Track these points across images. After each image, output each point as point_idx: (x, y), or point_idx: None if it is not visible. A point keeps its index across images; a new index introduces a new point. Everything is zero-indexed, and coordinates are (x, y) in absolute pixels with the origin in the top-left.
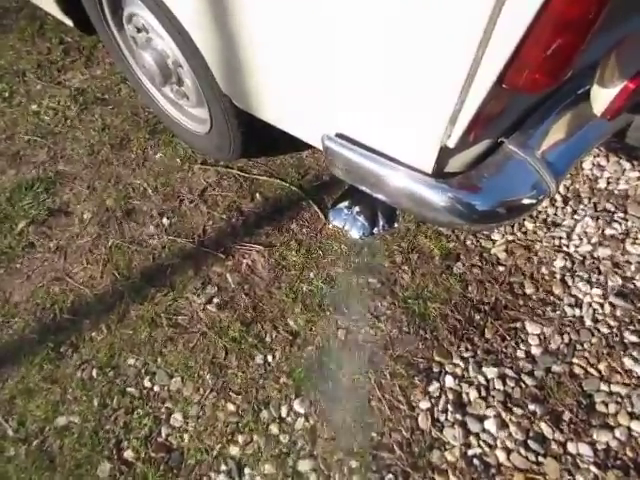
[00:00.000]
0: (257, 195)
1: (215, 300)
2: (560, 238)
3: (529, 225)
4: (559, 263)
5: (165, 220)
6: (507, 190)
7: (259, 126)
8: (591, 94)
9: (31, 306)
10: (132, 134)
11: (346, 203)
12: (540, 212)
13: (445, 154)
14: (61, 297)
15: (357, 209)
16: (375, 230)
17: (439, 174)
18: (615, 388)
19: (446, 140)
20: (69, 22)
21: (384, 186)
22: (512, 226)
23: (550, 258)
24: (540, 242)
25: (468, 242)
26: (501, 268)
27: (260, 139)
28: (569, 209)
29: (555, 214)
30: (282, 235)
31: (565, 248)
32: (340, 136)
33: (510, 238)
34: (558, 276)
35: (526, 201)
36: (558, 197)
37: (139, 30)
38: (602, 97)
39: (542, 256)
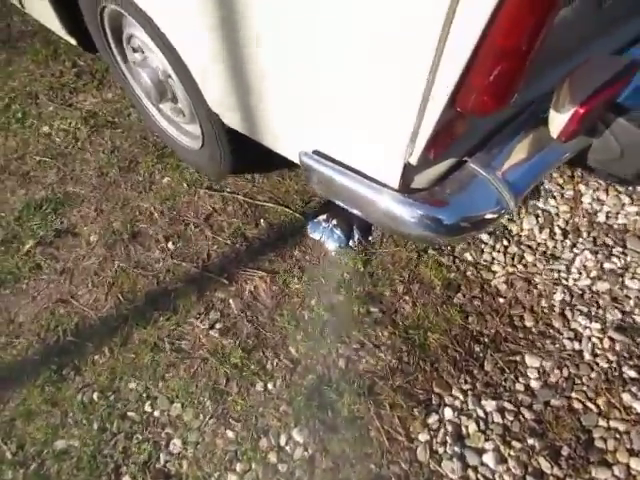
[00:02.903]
0: (262, 221)
1: (218, 326)
2: (559, 271)
3: (529, 257)
4: (558, 296)
5: (170, 244)
6: (470, 206)
7: (249, 143)
8: (549, 118)
9: (36, 327)
10: (140, 157)
11: (324, 216)
12: (540, 244)
13: (410, 171)
14: (66, 319)
15: (334, 222)
16: (351, 242)
17: (406, 189)
18: (614, 424)
19: (408, 157)
20: (73, 41)
21: (356, 200)
22: (512, 258)
23: (550, 291)
24: (540, 275)
25: (469, 273)
26: (501, 300)
27: (250, 155)
28: (568, 242)
29: (555, 247)
30: (285, 262)
31: (564, 281)
32: (316, 153)
33: (510, 270)
34: (557, 309)
35: (487, 216)
36: (557, 230)
37: (135, 50)
38: (557, 121)
39: (542, 289)
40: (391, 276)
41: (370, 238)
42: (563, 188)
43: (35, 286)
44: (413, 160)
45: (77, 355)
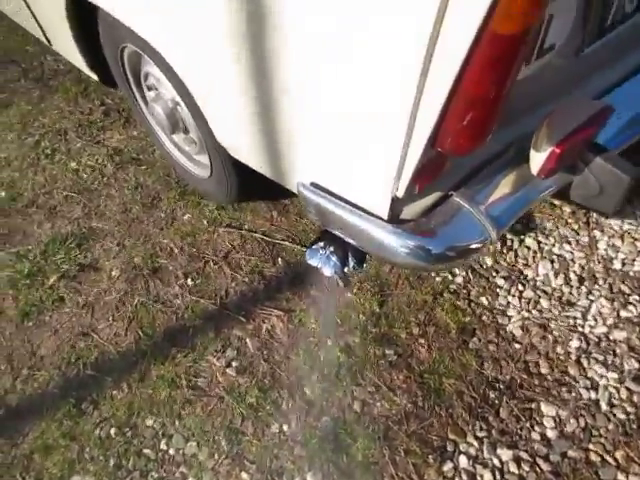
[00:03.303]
0: (279, 260)
1: (234, 364)
2: (575, 318)
3: (544, 303)
4: (574, 343)
5: (189, 281)
6: (455, 237)
7: (254, 173)
8: (530, 156)
9: (57, 360)
10: (163, 194)
11: (321, 244)
12: (555, 290)
13: (398, 203)
14: (86, 352)
15: (331, 249)
16: (346, 269)
17: (395, 220)
18: (633, 479)
19: (395, 191)
20: (94, 76)
21: (350, 230)
22: (528, 303)
23: (565, 338)
24: (555, 321)
25: (484, 317)
26: (517, 345)
27: (256, 186)
28: (584, 289)
29: (570, 293)
30: (302, 301)
31: (580, 328)
32: (313, 184)
33: (526, 315)
34: (573, 357)
35: (472, 246)
36: (573, 276)
37: (150, 88)
38: (536, 159)
39: (557, 335)
40: (407, 318)
41: (364, 265)
42: (578, 234)
43: (58, 319)
44: (400, 193)
45: (96, 389)
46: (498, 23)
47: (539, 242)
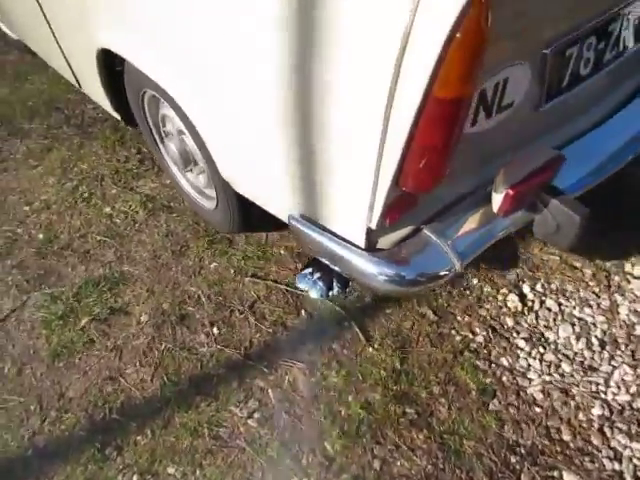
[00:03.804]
0: (302, 312)
1: (256, 415)
2: (597, 384)
3: (566, 367)
4: (597, 411)
5: (215, 329)
6: (425, 265)
7: (255, 206)
8: (492, 197)
9: (84, 403)
10: (192, 242)
11: (310, 270)
12: (577, 354)
13: (373, 234)
14: (113, 397)
15: (318, 275)
16: (330, 293)
17: (372, 249)
18: None
19: (369, 223)
20: (117, 116)
21: (334, 258)
22: (549, 366)
23: (588, 404)
24: (577, 386)
25: (504, 379)
26: (538, 409)
27: (257, 218)
28: (606, 354)
29: (592, 358)
30: (323, 354)
31: (603, 395)
32: (302, 216)
33: (547, 379)
34: (596, 425)
35: (440, 274)
36: (594, 341)
37: (166, 132)
38: (495, 200)
39: (579, 401)
40: (427, 376)
41: (347, 289)
42: (599, 297)
43: (87, 361)
44: (373, 225)
45: (120, 434)
46: (438, 90)
47: (560, 304)
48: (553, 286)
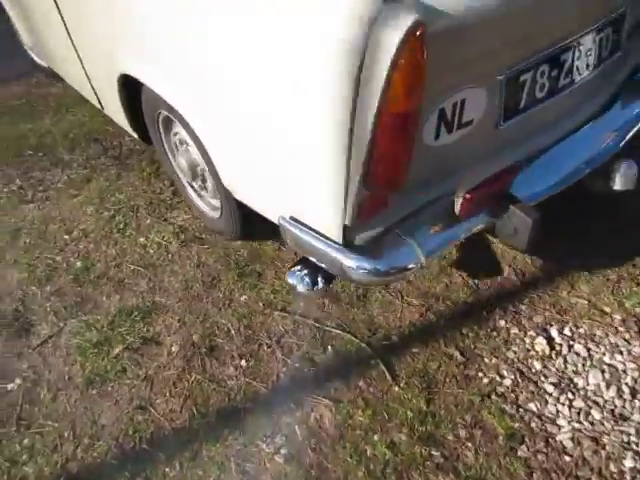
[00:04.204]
0: (329, 348)
1: (282, 451)
2: (629, 434)
3: (596, 415)
4: (629, 463)
5: (244, 362)
6: (397, 259)
7: (253, 214)
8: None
9: (116, 431)
10: (222, 274)
11: (298, 267)
12: (607, 402)
13: (350, 232)
14: (143, 426)
15: (305, 272)
16: (315, 287)
17: (350, 245)
18: None
19: (345, 221)
20: (135, 135)
21: (318, 253)
22: (578, 413)
23: (619, 455)
24: (608, 435)
25: (533, 424)
26: (567, 458)
27: (256, 225)
28: (637, 403)
29: (623, 407)
30: (350, 392)
31: (635, 446)
32: (291, 218)
33: (577, 426)
34: (628, 477)
35: (408, 267)
36: (625, 389)
37: (177, 144)
38: (456, 203)
39: (610, 451)
40: (454, 419)
41: (331, 285)
42: (630, 343)
43: (119, 390)
44: (348, 222)
45: (150, 465)
46: (389, 106)
47: (589, 349)
48: (581, 330)
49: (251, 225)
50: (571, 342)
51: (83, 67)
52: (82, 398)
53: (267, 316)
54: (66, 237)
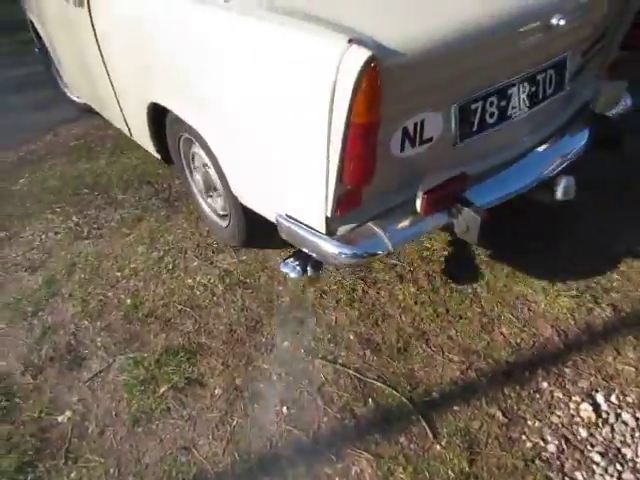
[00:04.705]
0: (370, 400)
1: None
2: None
3: None
4: None
5: (285, 409)
6: (370, 246)
7: (254, 222)
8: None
9: (159, 471)
10: (265, 319)
11: (291, 259)
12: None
13: (330, 223)
14: (185, 467)
15: (297, 262)
16: (304, 274)
17: (332, 234)
18: None
19: (326, 212)
20: (158, 156)
21: (307, 243)
22: None
23: None
24: None
25: None
26: None
27: (258, 232)
28: None
29: None
30: (391, 447)
31: None
32: (286, 215)
33: None
34: None
35: (377, 252)
36: None
37: (195, 164)
38: (418, 202)
39: None
40: None
41: (320, 272)
42: None
43: (163, 429)
44: (328, 214)
45: None
46: (355, 117)
47: (637, 419)
48: (629, 399)
49: (253, 233)
50: (618, 410)
51: (117, 100)
52: (128, 435)
53: (308, 363)
54: (118, 274)
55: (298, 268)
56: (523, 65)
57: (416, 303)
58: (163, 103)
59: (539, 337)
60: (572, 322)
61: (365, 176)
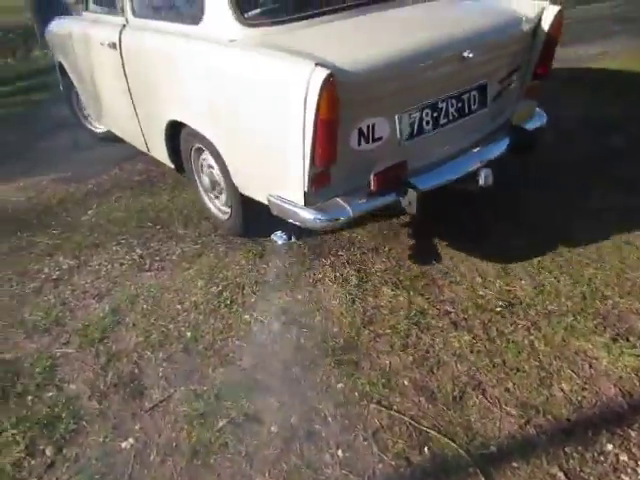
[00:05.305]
0: (426, 449)
1: None
2: None
3: None
4: None
5: (340, 452)
6: (336, 214)
7: (252, 212)
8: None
9: None
10: (320, 360)
11: (279, 231)
12: None
13: (308, 198)
14: None
15: (284, 234)
16: (289, 241)
17: (309, 205)
18: None
19: (304, 188)
20: (172, 166)
21: (290, 214)
22: None
23: None
24: None
25: None
26: None
27: (252, 222)
28: None
29: None
30: None
31: None
32: (275, 195)
33: None
34: None
35: (341, 218)
36: None
37: (202, 168)
38: (370, 182)
39: None
40: None
41: (299, 240)
42: None
43: (221, 463)
44: (306, 189)
45: None
46: (321, 115)
47: None
48: None
49: (248, 222)
50: None
51: (139, 122)
52: (187, 467)
53: (363, 408)
54: (178, 307)
55: (285, 237)
56: (449, 86)
57: (472, 352)
58: (182, 120)
59: (602, 396)
60: (637, 382)
61: (330, 158)
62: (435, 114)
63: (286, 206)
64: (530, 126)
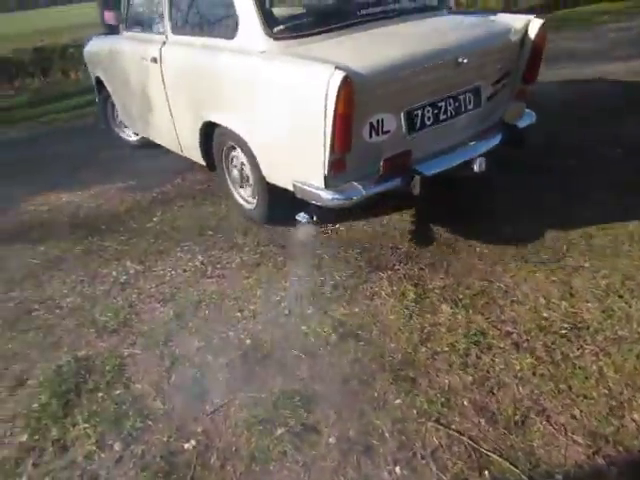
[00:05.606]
0: (486, 472)
1: None
2: None
3: None
4: None
5: (398, 469)
6: (352, 194)
7: (276, 201)
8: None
9: None
10: (377, 374)
11: (302, 213)
12: None
13: (328, 181)
14: None
15: (307, 216)
16: (310, 221)
17: (329, 187)
18: None
19: (325, 172)
20: (203, 163)
21: (312, 195)
22: None
23: None
24: None
25: None
26: None
27: (277, 210)
28: None
29: None
30: None
31: None
32: (300, 181)
33: None
34: None
35: (355, 198)
36: None
37: (234, 165)
38: (380, 168)
39: None
40: None
41: (320, 221)
42: None
43: (279, 471)
44: (326, 173)
45: None
46: (338, 110)
47: None
48: None
49: (274, 210)
50: None
51: (174, 127)
52: (246, 472)
53: (421, 425)
54: (238, 314)
55: (307, 217)
56: (448, 87)
57: (534, 375)
58: (217, 121)
59: None
60: None
61: (346, 146)
62: (435, 111)
63: (309, 189)
64: (521, 124)
